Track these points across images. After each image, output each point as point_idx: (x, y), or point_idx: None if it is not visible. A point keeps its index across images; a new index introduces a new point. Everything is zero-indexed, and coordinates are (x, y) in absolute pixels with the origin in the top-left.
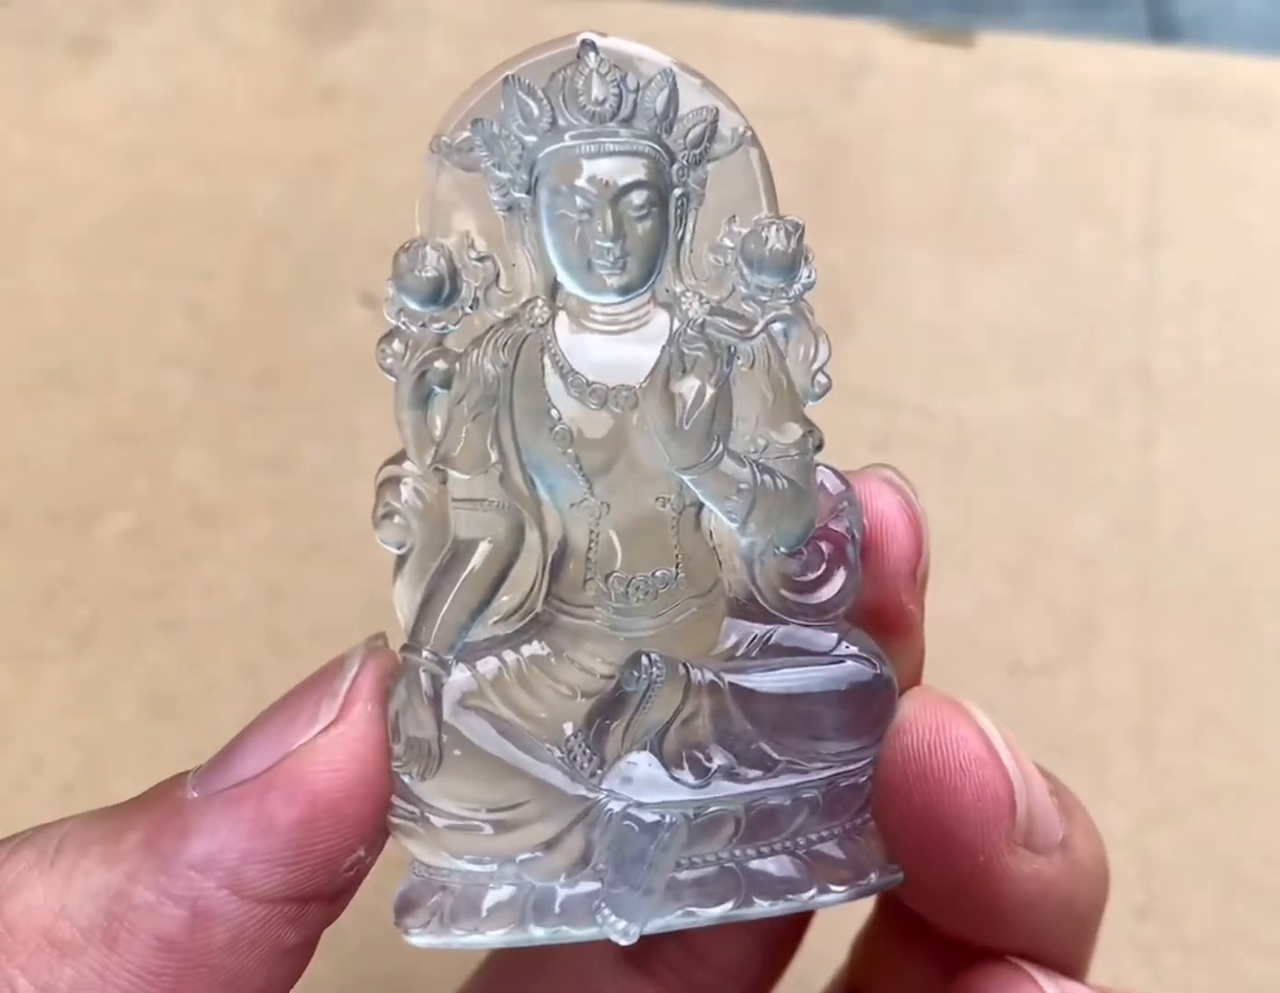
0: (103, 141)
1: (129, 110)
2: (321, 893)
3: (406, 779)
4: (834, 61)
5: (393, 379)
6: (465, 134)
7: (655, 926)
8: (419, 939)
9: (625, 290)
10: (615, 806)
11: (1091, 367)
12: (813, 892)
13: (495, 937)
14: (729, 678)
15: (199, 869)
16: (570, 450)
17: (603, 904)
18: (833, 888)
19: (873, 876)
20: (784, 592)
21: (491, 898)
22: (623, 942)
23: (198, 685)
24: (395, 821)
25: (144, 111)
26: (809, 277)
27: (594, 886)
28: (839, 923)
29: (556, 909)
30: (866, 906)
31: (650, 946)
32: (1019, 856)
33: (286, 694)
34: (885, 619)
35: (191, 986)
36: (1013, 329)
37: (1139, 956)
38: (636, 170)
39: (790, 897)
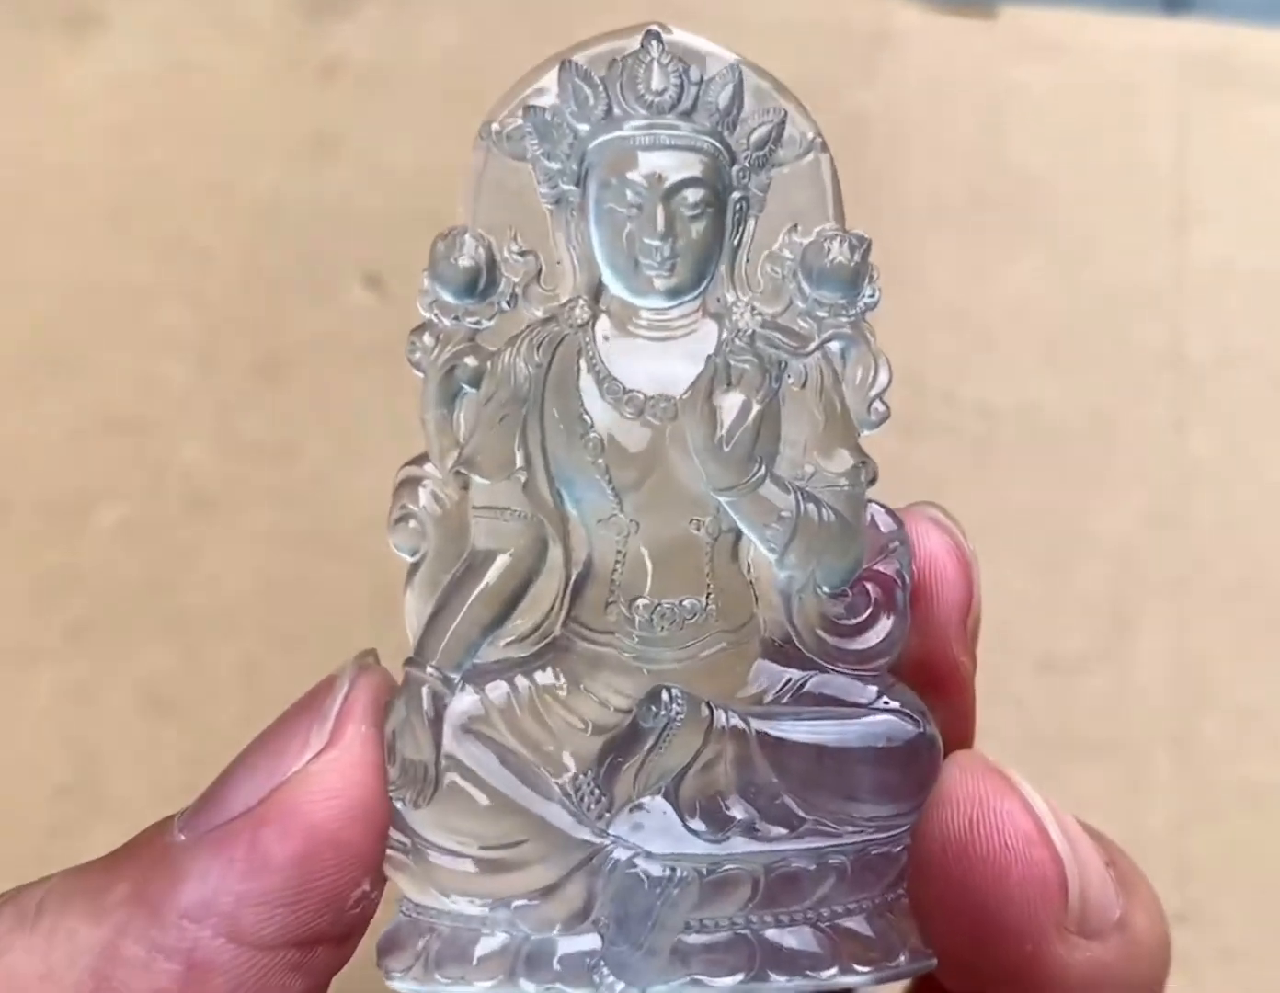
0: (97, 120)
1: (124, 88)
2: (327, 935)
3: (399, 806)
4: (853, 35)
5: (420, 375)
6: (517, 121)
7: (657, 992)
8: (401, 984)
9: (673, 294)
10: (622, 854)
11: (1122, 351)
12: (834, 970)
13: (482, 989)
14: (756, 724)
15: (193, 918)
16: (601, 461)
17: (601, 963)
18: (857, 968)
19: (902, 958)
20: (823, 634)
21: (482, 946)
22: None
23: (196, 682)
24: (389, 851)
25: (140, 89)
26: (872, 295)
27: (594, 942)
28: None
29: (552, 965)
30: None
31: None
32: (1071, 943)
33: (274, 723)
34: (934, 673)
35: None
36: (1039, 312)
37: (1175, 962)
38: (693, 167)
39: (810, 973)
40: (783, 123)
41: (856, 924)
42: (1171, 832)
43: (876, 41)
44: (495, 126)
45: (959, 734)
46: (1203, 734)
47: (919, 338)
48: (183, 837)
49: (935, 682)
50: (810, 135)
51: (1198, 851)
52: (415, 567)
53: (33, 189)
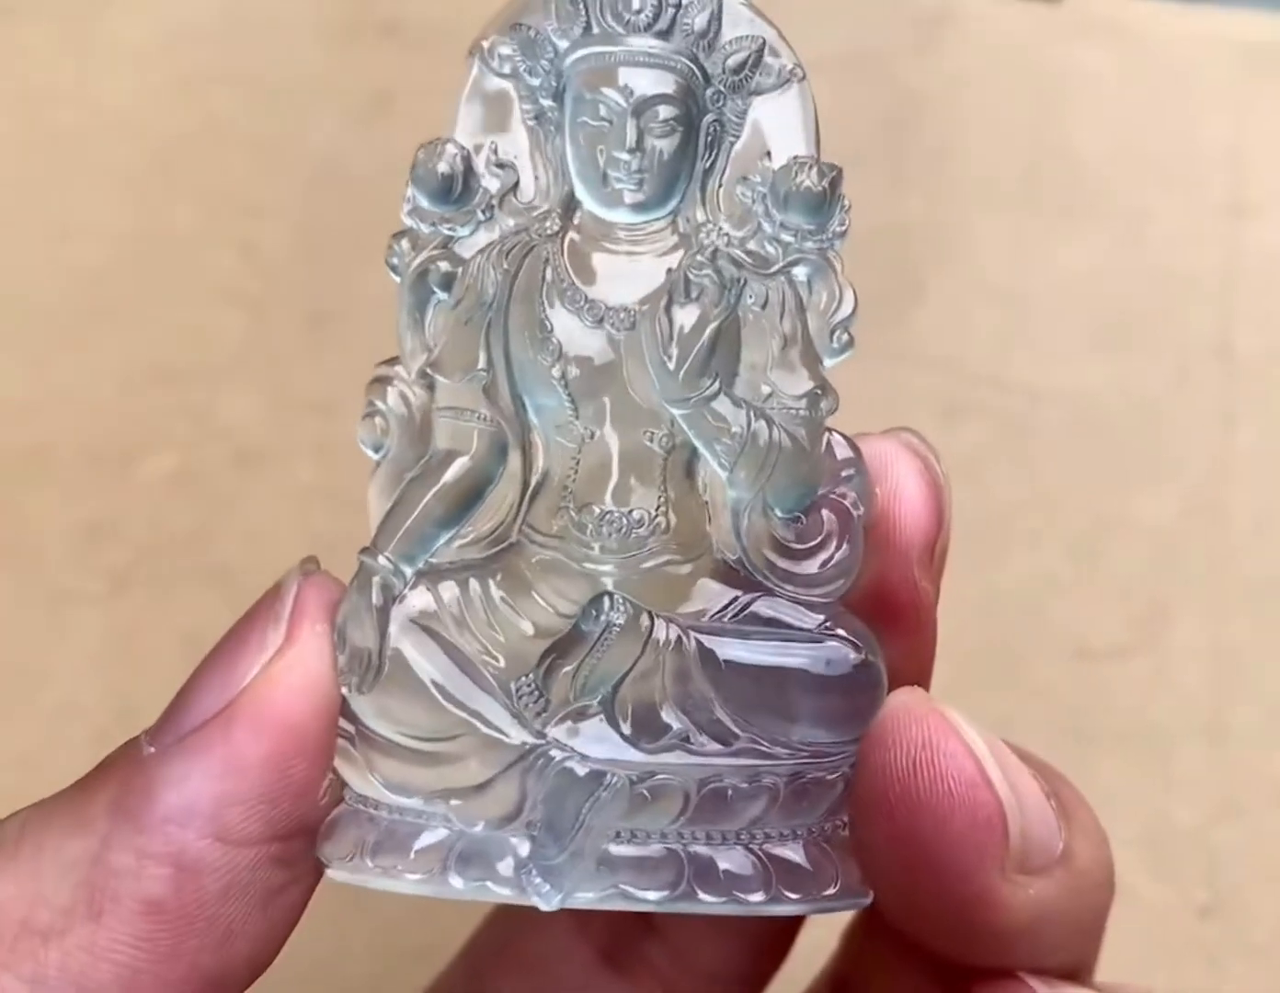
0: (154, 71)
1: (182, 38)
2: (304, 826)
3: (345, 692)
4: (912, 11)
5: (396, 279)
6: (505, 39)
7: (582, 899)
8: (335, 872)
9: (640, 209)
10: (556, 755)
11: (1170, 340)
12: (762, 895)
13: (411, 882)
14: (697, 638)
15: (176, 822)
16: (558, 366)
17: (530, 865)
18: (788, 895)
19: (833, 890)
20: (771, 554)
21: (420, 841)
22: (544, 908)
23: None
24: (338, 740)
25: (197, 40)
26: (841, 225)
27: (526, 845)
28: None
29: (482, 864)
30: None
31: (631, 947)
32: (1015, 883)
33: (226, 633)
34: (896, 600)
35: (189, 945)
36: (1089, 298)
37: (1200, 956)
38: (665, 84)
39: (738, 896)
40: (761, 50)
41: (790, 852)
42: (1200, 824)
43: (937, 19)
44: (485, 44)
45: (916, 668)
46: (1235, 727)
47: (966, 317)
48: (153, 749)
49: (895, 610)
50: (789, 66)
51: (1226, 844)
52: (379, 464)
53: (88, 137)
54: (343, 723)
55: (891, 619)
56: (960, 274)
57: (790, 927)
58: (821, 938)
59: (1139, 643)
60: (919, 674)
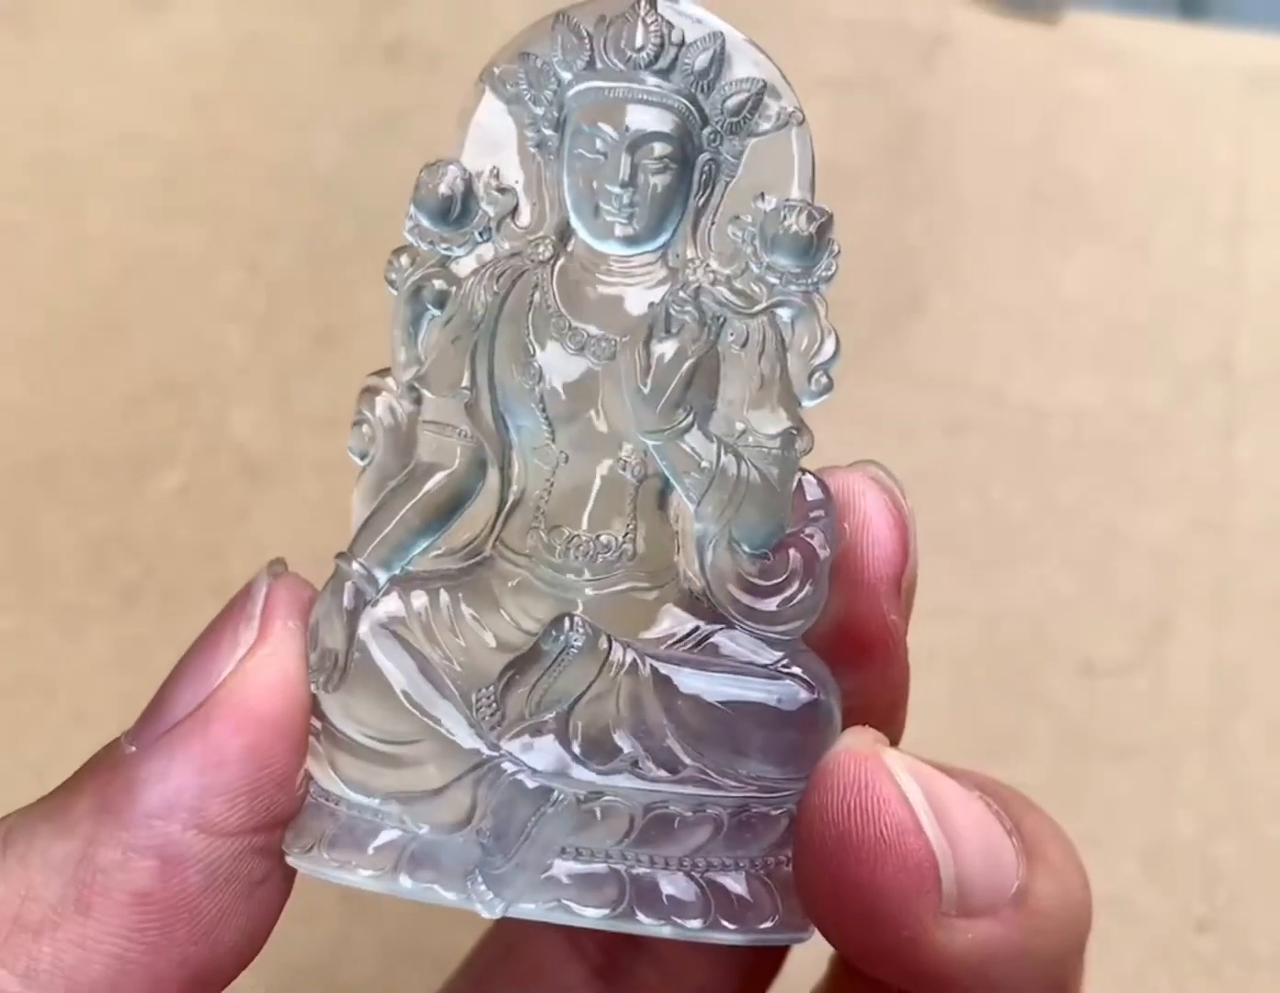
0: (164, 91)
1: (192, 59)
2: (283, 816)
3: (314, 690)
4: (913, 34)
5: (394, 293)
6: (513, 67)
7: (524, 910)
8: (295, 861)
9: (630, 242)
10: (508, 768)
11: (1171, 357)
12: (699, 923)
13: (363, 877)
14: (654, 665)
15: (160, 816)
16: (537, 389)
17: (477, 872)
18: (724, 924)
19: (770, 924)
20: (734, 589)
21: (375, 839)
22: (486, 915)
23: None
24: (309, 736)
25: (207, 61)
26: (828, 270)
27: (477, 853)
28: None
29: (432, 867)
30: None
31: (622, 965)
32: (951, 927)
33: (199, 636)
34: (865, 633)
35: (177, 936)
36: (1091, 315)
37: (1198, 969)
38: (662, 122)
39: (676, 921)
40: (760, 93)
41: (732, 882)
42: (1201, 837)
43: (936, 42)
44: (495, 70)
45: (889, 700)
46: (1237, 740)
47: (968, 335)
48: (133, 748)
49: (865, 643)
50: (789, 110)
51: (1226, 857)
52: (364, 470)
53: (99, 155)
54: (313, 720)
55: (862, 652)
56: (963, 292)
57: (779, 948)
58: (812, 960)
59: (1141, 657)
60: (891, 706)
